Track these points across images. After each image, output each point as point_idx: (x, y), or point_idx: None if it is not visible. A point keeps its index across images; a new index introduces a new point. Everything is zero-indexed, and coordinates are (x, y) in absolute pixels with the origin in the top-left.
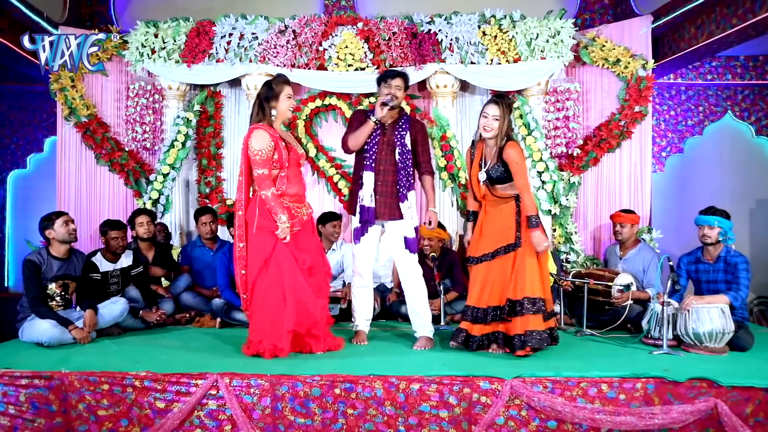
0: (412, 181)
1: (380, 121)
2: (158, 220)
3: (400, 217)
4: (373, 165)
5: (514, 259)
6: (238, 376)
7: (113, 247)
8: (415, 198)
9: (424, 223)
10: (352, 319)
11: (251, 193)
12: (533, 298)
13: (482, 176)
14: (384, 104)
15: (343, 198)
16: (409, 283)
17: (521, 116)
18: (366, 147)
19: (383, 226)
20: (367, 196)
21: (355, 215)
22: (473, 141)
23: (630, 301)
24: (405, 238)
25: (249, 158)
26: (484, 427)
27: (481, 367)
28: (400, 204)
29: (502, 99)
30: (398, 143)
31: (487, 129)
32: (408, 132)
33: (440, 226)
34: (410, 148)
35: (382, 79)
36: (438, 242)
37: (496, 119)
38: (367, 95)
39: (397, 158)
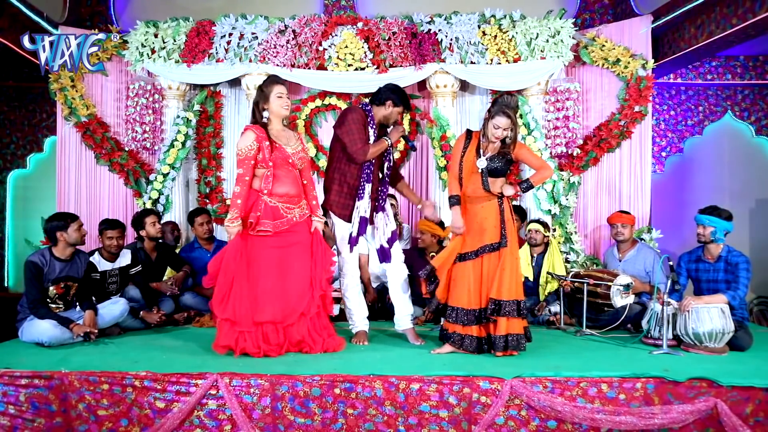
0: (387, 191)
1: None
2: (169, 219)
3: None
4: (371, 177)
5: (499, 258)
6: (238, 375)
7: (106, 246)
8: (388, 206)
9: (425, 217)
10: (350, 322)
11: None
12: (518, 301)
13: (481, 164)
14: (403, 137)
15: None
16: (391, 289)
17: (521, 116)
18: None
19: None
20: (365, 207)
21: (350, 222)
22: (469, 130)
23: (632, 298)
24: (376, 250)
25: None
26: (484, 427)
27: (481, 367)
28: (374, 214)
29: (510, 107)
30: (388, 158)
31: (499, 137)
32: (395, 147)
33: (438, 223)
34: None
35: (405, 106)
36: (431, 237)
37: (510, 129)
38: (367, 95)
39: (385, 171)
